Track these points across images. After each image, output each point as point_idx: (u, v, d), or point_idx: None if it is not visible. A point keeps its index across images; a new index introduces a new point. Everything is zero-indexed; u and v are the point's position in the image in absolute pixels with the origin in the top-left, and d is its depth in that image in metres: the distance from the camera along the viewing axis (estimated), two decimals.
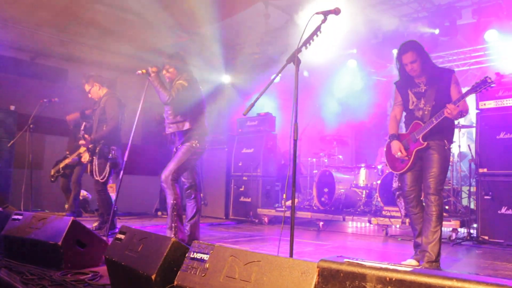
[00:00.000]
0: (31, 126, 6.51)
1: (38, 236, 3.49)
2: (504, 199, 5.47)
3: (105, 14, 8.90)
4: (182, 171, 4.67)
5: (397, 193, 5.46)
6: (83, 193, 8.03)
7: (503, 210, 5.47)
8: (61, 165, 6.66)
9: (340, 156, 7.58)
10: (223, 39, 10.20)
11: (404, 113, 4.10)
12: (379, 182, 6.49)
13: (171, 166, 4.57)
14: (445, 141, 3.75)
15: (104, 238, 3.75)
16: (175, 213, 4.52)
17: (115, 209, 5.71)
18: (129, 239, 2.78)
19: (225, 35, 10.10)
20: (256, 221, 7.59)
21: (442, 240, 4.71)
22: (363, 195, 6.90)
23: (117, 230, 5.57)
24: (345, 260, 1.76)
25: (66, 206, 6.78)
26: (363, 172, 7.06)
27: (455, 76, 3.82)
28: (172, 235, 4.32)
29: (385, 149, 4.19)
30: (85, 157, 5.85)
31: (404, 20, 7.89)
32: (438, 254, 3.64)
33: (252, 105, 2.95)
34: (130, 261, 2.60)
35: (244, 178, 8.00)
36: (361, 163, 7.18)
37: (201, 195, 7.21)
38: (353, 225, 7.52)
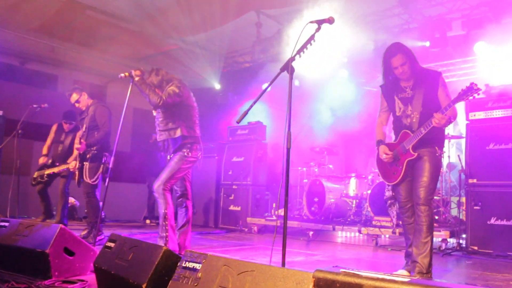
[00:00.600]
0: (19, 131, 6.42)
1: (25, 243, 3.41)
2: (494, 210, 5.49)
3: (96, 20, 8.89)
4: (174, 180, 4.62)
5: (389, 201, 5.44)
6: (71, 200, 7.94)
7: (493, 221, 5.49)
8: (47, 171, 6.51)
9: (331, 166, 7.58)
10: (214, 47, 10.22)
11: (392, 119, 3.96)
12: (369, 192, 6.49)
13: (163, 176, 4.51)
14: (436, 147, 3.65)
15: (93, 246, 3.68)
16: (166, 222, 4.46)
17: (102, 216, 5.69)
18: (119, 247, 2.73)
19: (217, 43, 10.11)
20: (246, 230, 7.55)
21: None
22: (353, 205, 6.91)
23: (103, 237, 5.59)
24: (341, 270, 1.74)
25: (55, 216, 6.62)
26: (353, 181, 7.07)
27: (443, 78, 3.70)
28: (163, 245, 4.26)
29: (376, 159, 4.06)
30: (72, 165, 5.80)
31: (395, 31, 7.96)
32: (429, 265, 3.57)
33: (246, 113, 2.94)
34: (120, 270, 2.55)
35: (234, 187, 7.97)
36: (352, 173, 7.19)
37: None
38: (342, 234, 7.51)
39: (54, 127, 6.74)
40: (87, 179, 5.58)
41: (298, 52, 2.99)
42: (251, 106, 2.94)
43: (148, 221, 8.60)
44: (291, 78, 2.92)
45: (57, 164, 6.39)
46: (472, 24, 7.00)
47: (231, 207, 7.94)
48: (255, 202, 7.76)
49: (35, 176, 6.50)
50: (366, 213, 6.63)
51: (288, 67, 2.92)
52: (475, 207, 5.60)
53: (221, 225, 8.03)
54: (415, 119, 3.64)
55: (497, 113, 5.62)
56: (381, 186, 6.43)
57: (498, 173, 5.54)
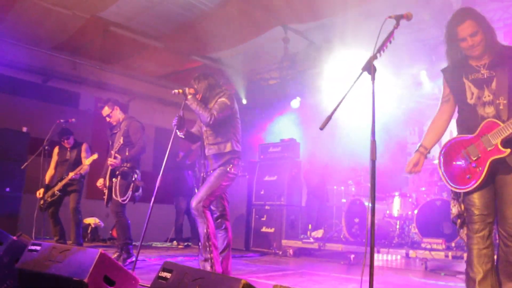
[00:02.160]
0: (46, 147, 6.16)
1: (60, 271, 3.02)
2: None
3: (119, 37, 8.66)
4: (214, 198, 4.27)
5: (459, 220, 3.27)
6: (96, 220, 7.61)
7: None
8: (56, 188, 6.21)
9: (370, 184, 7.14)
10: (240, 63, 9.95)
11: (457, 111, 3.06)
12: (416, 212, 6.05)
13: (202, 193, 4.15)
14: None
15: (135, 274, 3.30)
16: (210, 242, 4.07)
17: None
18: (179, 279, 2.35)
19: (242, 59, 9.85)
20: (280, 253, 7.11)
21: None
22: (397, 226, 6.45)
23: (134, 259, 5.24)
24: None
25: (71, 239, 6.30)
26: (397, 201, 6.63)
27: None
28: (209, 268, 3.87)
29: (438, 159, 3.09)
30: (100, 182, 5.51)
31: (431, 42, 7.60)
32: None
33: (329, 118, 2.60)
34: None
35: (267, 207, 7.57)
36: (395, 192, 6.75)
37: None
38: (383, 258, 7.02)
39: (55, 150, 6.58)
40: (117, 197, 5.29)
41: (379, 50, 2.63)
42: (334, 111, 2.59)
43: (175, 243, 8.21)
44: (373, 78, 2.55)
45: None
46: None
47: (264, 229, 7.52)
48: (290, 223, 7.35)
49: (44, 197, 6.19)
50: (412, 234, 6.18)
51: (369, 67, 2.56)
52: None
53: (252, 247, 7.61)
54: (502, 106, 2.74)
55: None
56: (429, 206, 6.01)
57: None
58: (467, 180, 2.82)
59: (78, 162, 6.34)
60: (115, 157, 5.34)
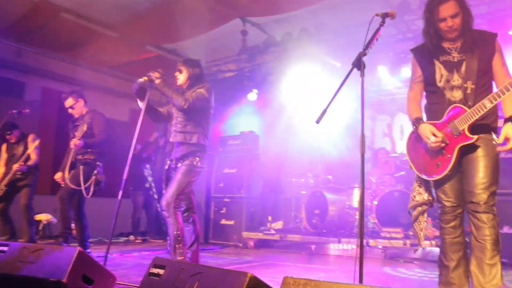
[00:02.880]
0: None
1: (33, 272, 2.86)
2: (506, 219, 5.37)
3: (71, 24, 8.27)
4: (183, 195, 4.20)
5: (420, 208, 3.20)
6: (48, 216, 7.29)
7: (505, 230, 5.37)
8: (3, 183, 5.92)
9: (330, 177, 7.30)
10: (197, 55, 9.80)
11: (425, 96, 3.07)
12: (375, 202, 6.26)
13: (172, 191, 4.06)
14: (493, 134, 2.78)
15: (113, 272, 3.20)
16: (180, 245, 4.04)
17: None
18: (174, 275, 2.30)
19: (199, 50, 9.71)
20: (241, 245, 7.13)
21: None
22: (357, 216, 6.64)
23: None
24: None
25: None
26: (356, 192, 6.82)
27: (499, 42, 2.81)
28: None
29: (407, 145, 3.12)
30: (59, 175, 5.34)
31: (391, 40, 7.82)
32: None
33: (324, 112, 2.61)
34: None
35: (226, 200, 7.55)
36: (355, 183, 6.93)
37: None
38: (344, 247, 7.20)
39: (3, 147, 6.31)
40: (68, 182, 5.14)
41: (367, 46, 2.69)
42: (328, 106, 2.60)
43: (132, 238, 8.02)
44: (362, 75, 2.60)
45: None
46: None
47: (223, 221, 7.50)
48: (249, 215, 7.37)
49: None
50: (371, 225, 6.39)
51: (359, 63, 2.61)
52: None
53: (212, 240, 7.57)
54: (469, 90, 2.73)
55: None
56: (387, 197, 6.24)
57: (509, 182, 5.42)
58: (436, 168, 2.84)
59: (24, 155, 6.05)
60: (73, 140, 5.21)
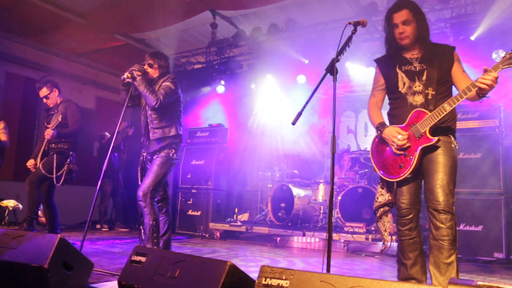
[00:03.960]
0: None
1: (15, 257, 2.92)
2: (462, 217, 5.69)
3: (37, 9, 8.12)
4: (159, 186, 4.30)
5: (382, 209, 3.38)
6: (14, 203, 7.18)
7: (462, 227, 5.70)
8: None
9: (296, 171, 7.49)
10: (165, 46, 9.78)
11: (388, 103, 3.22)
12: (339, 198, 6.49)
13: (148, 182, 4.16)
14: (451, 137, 2.94)
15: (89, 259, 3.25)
16: (155, 235, 4.13)
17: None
18: (156, 263, 2.41)
19: (168, 42, 9.70)
20: (207, 236, 7.24)
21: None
22: (321, 211, 6.87)
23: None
24: (478, 282, 1.62)
25: None
26: (321, 187, 7.04)
27: (457, 53, 3.01)
28: None
29: (371, 148, 3.25)
30: (31, 162, 5.30)
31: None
32: None
33: (300, 114, 2.73)
34: None
35: (193, 191, 7.63)
36: (321, 179, 7.15)
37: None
38: (308, 240, 7.42)
39: None
40: (41, 168, 5.15)
41: (339, 53, 2.84)
42: (304, 107, 2.73)
43: (98, 226, 7.99)
44: (335, 80, 2.75)
45: None
46: None
47: (190, 212, 7.59)
48: (216, 207, 7.49)
49: None
50: (335, 219, 6.62)
51: (332, 69, 2.75)
52: None
53: (178, 230, 7.65)
54: (430, 95, 2.90)
55: (467, 124, 5.88)
56: (351, 193, 6.47)
57: (463, 181, 5.74)
58: (399, 169, 2.95)
59: None
60: (47, 129, 5.23)
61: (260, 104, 9.49)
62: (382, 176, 3.11)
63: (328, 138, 9.42)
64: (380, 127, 3.07)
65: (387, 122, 3.15)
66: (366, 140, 8.75)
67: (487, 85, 2.62)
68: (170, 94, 4.16)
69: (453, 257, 2.75)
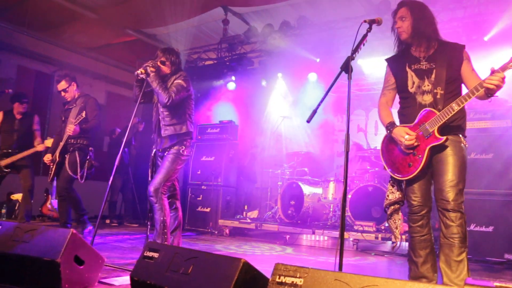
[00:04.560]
0: None
1: (27, 251, 2.94)
2: (473, 217, 5.65)
3: (50, 3, 8.16)
4: (170, 182, 4.32)
5: (392, 207, 3.44)
6: (18, 196, 7.23)
7: (472, 227, 5.66)
8: (5, 161, 5.88)
9: (306, 169, 7.48)
10: (176, 42, 9.80)
11: (398, 102, 3.27)
12: (349, 196, 6.47)
13: (160, 177, 4.19)
14: (461, 136, 2.96)
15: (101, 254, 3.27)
16: (165, 230, 4.16)
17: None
18: (168, 258, 2.42)
19: (179, 38, 9.71)
20: (216, 232, 7.25)
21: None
22: (331, 209, 6.85)
23: (90, 227, 5.33)
24: (495, 284, 1.60)
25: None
26: (332, 185, 7.02)
27: (467, 52, 3.04)
28: None
29: (381, 148, 3.31)
30: (48, 157, 5.34)
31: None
32: None
33: (315, 111, 2.72)
34: (178, 285, 2.25)
35: (203, 187, 7.64)
36: (331, 177, 7.13)
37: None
38: (317, 238, 7.43)
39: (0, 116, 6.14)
40: (68, 171, 5.17)
41: (354, 51, 2.83)
42: (319, 105, 2.72)
43: (107, 221, 8.04)
44: (350, 78, 2.74)
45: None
46: None
47: (199, 208, 7.60)
48: (226, 203, 7.50)
49: None
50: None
51: (347, 67, 2.74)
52: None
53: (187, 226, 7.66)
54: (439, 95, 2.94)
55: (478, 124, 5.83)
56: (361, 191, 6.45)
57: (472, 181, 5.69)
58: (408, 168, 3.01)
59: (28, 134, 6.04)
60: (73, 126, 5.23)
61: (271, 101, 9.48)
62: (392, 174, 3.17)
63: (339, 136, 9.42)
64: (390, 126, 3.12)
65: (398, 121, 3.18)
66: (376, 139, 8.72)
67: (494, 85, 2.66)
68: (182, 92, 4.17)
69: (463, 255, 2.79)
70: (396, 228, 3.41)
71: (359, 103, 9.33)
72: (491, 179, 5.64)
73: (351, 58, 2.79)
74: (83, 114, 5.14)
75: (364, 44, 2.93)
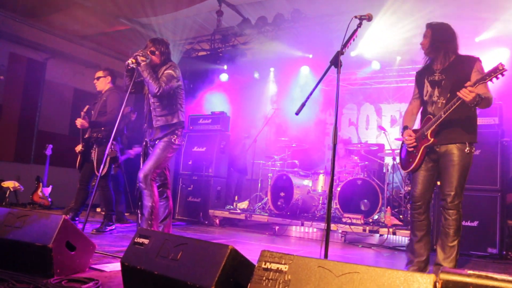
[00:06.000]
0: None
1: (20, 236, 2.99)
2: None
3: None
4: (160, 169, 4.37)
5: (408, 197, 5.58)
6: (15, 184, 7.26)
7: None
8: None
9: (296, 161, 7.55)
10: (170, 32, 9.79)
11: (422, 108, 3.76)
12: (338, 189, 6.55)
13: (149, 165, 4.24)
14: (466, 143, 3.37)
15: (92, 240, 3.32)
16: (153, 217, 4.21)
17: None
18: (158, 245, 2.47)
19: (173, 28, 9.70)
20: (206, 222, 7.32)
21: (401, 248, 5.40)
22: (320, 201, 6.93)
23: (113, 227, 5.49)
24: (469, 272, 1.68)
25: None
26: (321, 178, 7.10)
27: (480, 64, 3.37)
28: None
29: (400, 147, 3.90)
30: (79, 147, 5.50)
31: None
32: None
33: (303, 105, 2.78)
34: (167, 270, 2.30)
35: (194, 177, 7.69)
36: (320, 169, 7.21)
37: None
38: (306, 230, 7.52)
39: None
40: (96, 171, 5.35)
41: (344, 46, 2.89)
42: (307, 98, 2.78)
43: (98, 209, 8.08)
44: (339, 72, 2.80)
45: None
46: None
47: (190, 198, 7.66)
48: (216, 194, 7.56)
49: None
50: (333, 210, 6.68)
51: (336, 61, 2.80)
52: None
53: (178, 216, 7.73)
54: (440, 104, 3.41)
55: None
56: (350, 184, 6.54)
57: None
58: (409, 163, 3.62)
59: None
60: (84, 118, 5.37)
61: (263, 93, 9.53)
62: (400, 168, 4.11)
63: (329, 129, 9.49)
64: (402, 130, 3.75)
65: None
66: (367, 133, 8.80)
67: (465, 97, 3.09)
68: (172, 82, 4.21)
69: (455, 242, 3.38)
70: None
71: (350, 97, 9.40)
72: (477, 175, 5.74)
73: (340, 52, 2.86)
74: (99, 107, 5.35)
75: (354, 40, 3.01)
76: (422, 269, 3.57)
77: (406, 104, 3.56)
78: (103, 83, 5.63)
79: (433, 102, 3.49)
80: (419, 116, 3.77)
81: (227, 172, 7.97)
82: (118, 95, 5.57)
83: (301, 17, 8.36)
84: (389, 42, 7.49)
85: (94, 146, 5.39)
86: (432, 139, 3.42)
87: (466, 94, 3.07)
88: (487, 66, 3.21)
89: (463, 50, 3.59)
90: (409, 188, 4.65)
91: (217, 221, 7.28)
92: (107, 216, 5.51)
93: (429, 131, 3.43)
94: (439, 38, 3.49)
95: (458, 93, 3.12)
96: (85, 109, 5.42)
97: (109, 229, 5.46)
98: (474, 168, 5.66)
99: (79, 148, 5.44)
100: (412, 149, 3.58)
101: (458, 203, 3.38)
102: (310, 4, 8.26)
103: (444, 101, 3.39)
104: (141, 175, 4.20)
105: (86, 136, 5.42)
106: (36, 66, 9.73)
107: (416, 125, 3.79)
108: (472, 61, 3.39)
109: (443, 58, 3.50)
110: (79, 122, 5.31)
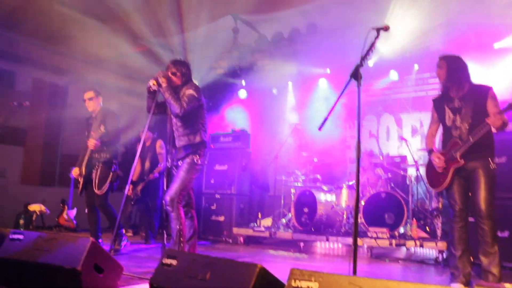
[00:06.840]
0: None
1: (50, 259, 3.03)
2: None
3: (63, 15, 8.31)
4: (186, 191, 4.41)
5: (435, 213, 6.03)
6: (41, 207, 7.36)
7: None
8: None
9: (318, 176, 7.49)
10: (187, 52, 9.91)
11: (442, 130, 4.18)
12: (362, 202, 6.46)
13: (175, 187, 4.27)
14: (489, 159, 3.79)
15: (119, 262, 3.34)
16: (182, 239, 4.22)
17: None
18: (186, 265, 2.47)
19: (189, 47, 9.81)
20: (231, 241, 7.30)
21: (429, 262, 5.71)
22: (344, 216, 6.84)
23: (126, 242, 5.60)
24: (506, 285, 1.64)
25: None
26: (344, 192, 7.02)
27: (493, 92, 3.85)
28: None
29: (425, 167, 4.28)
30: (76, 171, 5.51)
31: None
32: (501, 274, 3.70)
33: (326, 119, 2.77)
34: None
35: (217, 196, 7.69)
36: (343, 184, 7.14)
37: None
38: (331, 246, 7.40)
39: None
40: (97, 191, 5.35)
41: (363, 58, 2.89)
42: (330, 113, 2.77)
43: (124, 231, 8.11)
44: (359, 85, 2.79)
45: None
46: None
47: (213, 217, 7.65)
48: (239, 211, 7.54)
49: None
50: (358, 224, 6.58)
51: (356, 74, 2.79)
52: (470, 219, 5.70)
53: (202, 235, 7.69)
54: (464, 129, 3.83)
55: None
56: (375, 198, 6.44)
57: None
58: (440, 182, 3.99)
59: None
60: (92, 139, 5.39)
61: (282, 109, 9.54)
62: (429, 187, 4.30)
63: (350, 142, 9.41)
64: (429, 152, 4.13)
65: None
66: (388, 145, 8.69)
67: (494, 124, 3.57)
68: (193, 102, 4.24)
69: (495, 248, 3.68)
70: (439, 228, 5.82)
71: (369, 109, 9.32)
72: (505, 184, 5.60)
73: (360, 65, 2.85)
74: (102, 128, 5.27)
75: (372, 51, 3.00)
76: (467, 282, 3.81)
77: (427, 112, 3.76)
78: (95, 104, 5.65)
79: (456, 127, 3.89)
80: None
81: (250, 189, 7.95)
82: (115, 115, 5.66)
83: (316, 31, 8.40)
84: (406, 48, 7.49)
85: (96, 166, 5.39)
86: (462, 161, 3.80)
87: (494, 121, 3.54)
88: (506, 74, 3.35)
89: (481, 57, 4.03)
90: (436, 205, 5.38)
91: (241, 239, 7.24)
92: (116, 233, 5.41)
93: (458, 154, 3.80)
94: (455, 69, 3.94)
95: (487, 119, 3.57)
96: (98, 135, 5.41)
97: (123, 244, 5.53)
98: (501, 176, 5.60)
99: (77, 172, 5.43)
100: (441, 170, 3.95)
101: (491, 210, 3.71)
102: (325, 18, 8.28)
103: (467, 127, 3.79)
104: (167, 198, 4.23)
105: (89, 157, 5.39)
106: (59, 90, 9.93)
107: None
108: (485, 90, 3.84)
109: (459, 86, 3.92)
110: (92, 143, 5.30)
